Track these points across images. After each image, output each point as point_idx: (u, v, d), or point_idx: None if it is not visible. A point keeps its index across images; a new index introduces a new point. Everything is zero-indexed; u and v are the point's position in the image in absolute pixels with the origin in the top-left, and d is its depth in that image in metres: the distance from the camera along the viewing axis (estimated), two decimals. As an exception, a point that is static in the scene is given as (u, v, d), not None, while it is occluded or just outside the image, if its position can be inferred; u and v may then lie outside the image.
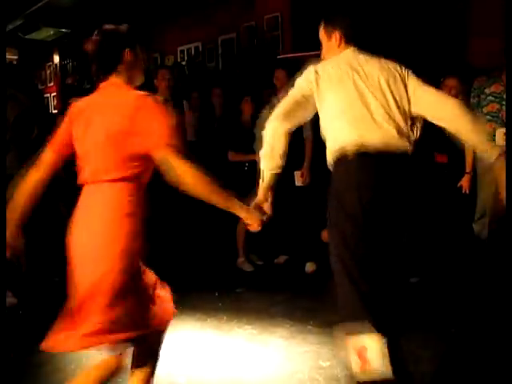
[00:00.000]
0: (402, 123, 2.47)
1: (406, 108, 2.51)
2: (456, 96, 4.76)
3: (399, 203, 2.47)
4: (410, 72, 2.59)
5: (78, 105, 2.25)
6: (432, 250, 4.78)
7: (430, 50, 6.05)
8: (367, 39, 2.77)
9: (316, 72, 2.52)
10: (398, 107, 2.48)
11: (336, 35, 2.65)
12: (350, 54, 2.61)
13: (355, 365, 2.20)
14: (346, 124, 2.43)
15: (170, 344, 3.46)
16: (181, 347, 3.46)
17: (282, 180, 2.63)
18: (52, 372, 3.16)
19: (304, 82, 2.54)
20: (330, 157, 2.50)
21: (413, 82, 2.55)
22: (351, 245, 2.34)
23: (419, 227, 4.60)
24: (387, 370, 2.15)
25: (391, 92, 2.49)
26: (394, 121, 2.45)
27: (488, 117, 5.04)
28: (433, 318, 3.91)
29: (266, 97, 5.61)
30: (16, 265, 4.79)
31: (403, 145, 2.46)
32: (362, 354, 2.17)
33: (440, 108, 2.50)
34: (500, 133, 4.90)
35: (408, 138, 2.48)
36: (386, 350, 2.20)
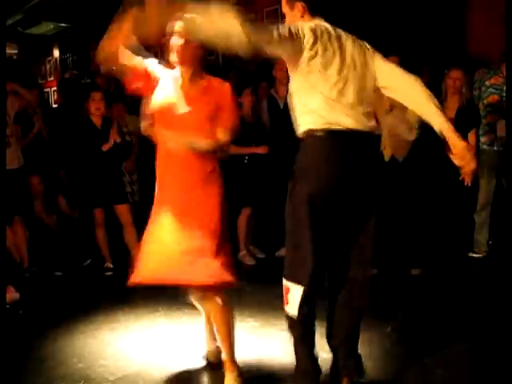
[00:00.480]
0: (371, 104, 2.53)
1: (373, 84, 2.55)
2: (460, 88, 4.76)
3: (366, 183, 2.51)
4: (372, 47, 2.60)
5: None
6: (433, 241, 4.79)
7: (430, 41, 6.04)
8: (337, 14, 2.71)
9: (316, 37, 2.41)
10: (368, 87, 2.52)
11: (298, 6, 2.55)
12: (328, 26, 2.52)
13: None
14: (324, 102, 2.42)
15: (171, 336, 3.54)
16: (182, 339, 3.48)
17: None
18: (54, 367, 3.16)
19: (305, 36, 2.39)
20: (301, 129, 2.51)
21: (378, 57, 2.58)
22: (311, 222, 2.42)
23: (421, 218, 4.65)
24: (296, 315, 2.48)
25: (364, 71, 2.51)
26: (367, 102, 2.51)
27: (488, 108, 5.02)
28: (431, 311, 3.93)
29: (263, 90, 5.61)
30: (17, 261, 4.82)
31: (372, 125, 2.51)
32: (286, 294, 2.51)
33: (400, 80, 2.54)
34: (501, 124, 4.89)
35: (375, 118, 2.55)
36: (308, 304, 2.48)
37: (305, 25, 2.44)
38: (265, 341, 3.43)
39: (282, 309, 2.57)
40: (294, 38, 2.34)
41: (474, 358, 3.14)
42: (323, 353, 2.74)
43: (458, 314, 3.84)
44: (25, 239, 5.05)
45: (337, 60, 2.44)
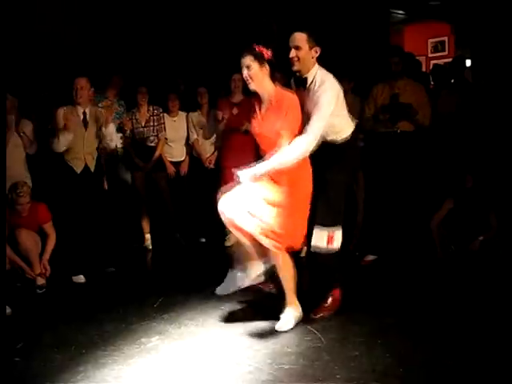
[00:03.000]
0: None
1: None
2: None
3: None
4: None
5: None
6: (390, 228, 4.95)
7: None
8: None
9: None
10: None
11: (316, 49, 3.58)
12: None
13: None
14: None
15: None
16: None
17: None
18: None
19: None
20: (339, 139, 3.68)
21: None
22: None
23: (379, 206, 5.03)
24: (338, 248, 3.74)
25: None
26: None
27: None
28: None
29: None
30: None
31: None
32: (331, 237, 3.66)
33: None
34: None
35: None
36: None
37: (334, 92, 3.53)
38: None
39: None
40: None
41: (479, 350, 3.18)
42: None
43: (459, 303, 3.93)
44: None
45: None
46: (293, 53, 3.56)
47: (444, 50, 9.68)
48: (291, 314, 3.53)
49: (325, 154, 3.54)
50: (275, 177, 3.45)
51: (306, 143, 3.37)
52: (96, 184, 4.92)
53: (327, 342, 3.26)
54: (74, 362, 3.11)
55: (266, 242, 3.38)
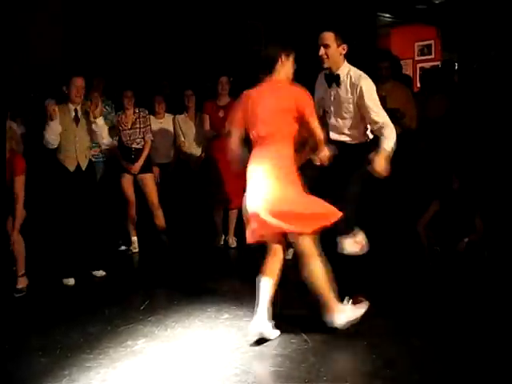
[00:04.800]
0: None
1: None
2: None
3: None
4: None
5: (249, 93, 3.47)
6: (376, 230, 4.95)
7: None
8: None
9: None
10: None
11: (344, 46, 3.80)
12: None
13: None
14: None
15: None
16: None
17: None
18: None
19: None
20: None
21: None
22: None
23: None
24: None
25: None
26: None
27: None
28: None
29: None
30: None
31: None
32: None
33: None
34: None
35: None
36: None
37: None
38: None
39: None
40: None
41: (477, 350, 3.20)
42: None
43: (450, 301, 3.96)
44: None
45: None
46: (322, 51, 3.74)
47: (430, 54, 9.74)
48: (342, 317, 3.35)
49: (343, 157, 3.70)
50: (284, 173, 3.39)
51: (392, 130, 3.73)
52: (87, 183, 4.89)
53: (314, 344, 3.26)
54: (59, 365, 3.08)
55: (292, 227, 3.31)
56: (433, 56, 9.63)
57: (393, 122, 4.97)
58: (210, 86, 5.95)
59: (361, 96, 3.69)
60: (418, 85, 7.65)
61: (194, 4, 7.35)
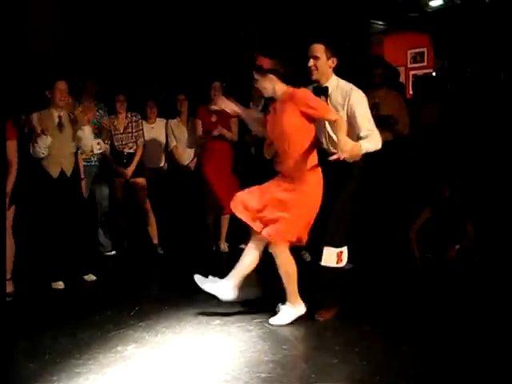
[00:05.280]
0: None
1: None
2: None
3: None
4: None
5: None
6: (367, 236, 4.99)
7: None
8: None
9: None
10: None
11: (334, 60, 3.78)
12: None
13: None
14: None
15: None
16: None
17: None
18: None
19: None
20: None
21: None
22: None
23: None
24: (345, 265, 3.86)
25: None
26: None
27: None
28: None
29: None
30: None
31: None
32: (340, 256, 3.75)
33: None
34: None
35: None
36: None
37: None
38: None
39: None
40: None
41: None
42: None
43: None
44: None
45: None
46: (311, 62, 3.71)
47: (423, 61, 9.79)
48: (289, 310, 3.68)
49: (333, 171, 3.61)
50: (292, 180, 3.59)
51: (378, 141, 3.66)
52: (72, 189, 4.86)
53: (304, 351, 3.27)
54: (48, 371, 3.05)
55: (269, 230, 3.56)
56: (425, 63, 9.68)
57: (386, 128, 5.03)
58: (206, 89, 5.94)
59: (351, 108, 3.65)
60: (411, 92, 7.67)
61: (188, 9, 7.35)
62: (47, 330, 3.68)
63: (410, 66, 9.83)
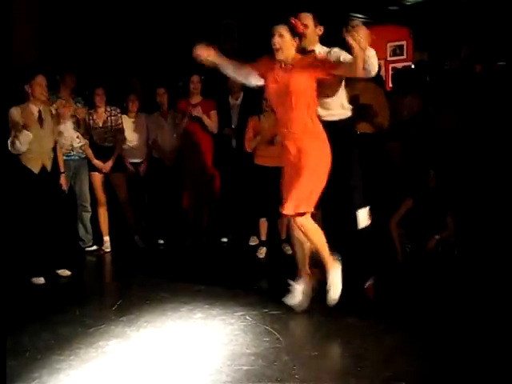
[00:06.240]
0: None
1: None
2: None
3: None
4: None
5: None
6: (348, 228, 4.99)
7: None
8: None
9: None
10: None
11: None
12: None
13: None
14: None
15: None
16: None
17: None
18: None
19: None
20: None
21: None
22: None
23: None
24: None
25: None
26: None
27: None
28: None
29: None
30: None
31: None
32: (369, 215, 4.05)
33: None
34: None
35: None
36: None
37: None
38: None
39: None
40: None
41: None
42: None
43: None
44: None
45: None
46: (300, 29, 3.74)
47: (402, 54, 9.87)
48: (334, 273, 3.65)
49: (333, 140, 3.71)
50: (298, 148, 3.61)
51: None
52: (53, 184, 4.81)
53: (286, 343, 3.26)
54: (28, 367, 3.03)
55: (287, 209, 3.56)
56: (405, 56, 9.76)
57: (365, 120, 5.06)
58: (182, 85, 5.92)
59: (335, 54, 3.73)
60: (391, 85, 7.72)
61: (167, 2, 7.31)
62: (27, 327, 3.64)
63: (389, 58, 9.89)
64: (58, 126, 4.71)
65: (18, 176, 4.71)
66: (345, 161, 3.84)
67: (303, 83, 3.56)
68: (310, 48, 3.87)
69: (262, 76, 3.78)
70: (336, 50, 3.75)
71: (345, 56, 3.64)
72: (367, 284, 4.14)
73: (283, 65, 3.64)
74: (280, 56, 3.61)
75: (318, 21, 3.96)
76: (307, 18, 3.89)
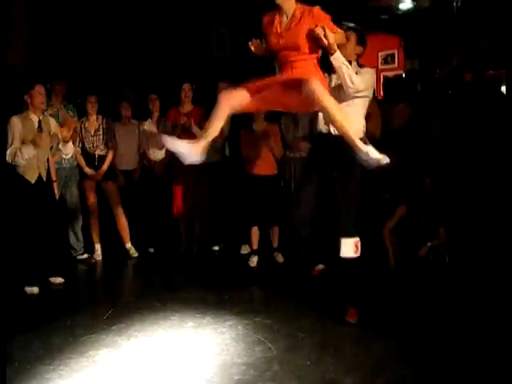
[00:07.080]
0: None
1: None
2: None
3: None
4: None
5: None
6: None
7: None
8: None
9: None
10: None
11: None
12: None
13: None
14: None
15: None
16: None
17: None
18: None
19: None
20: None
21: None
22: None
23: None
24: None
25: None
26: None
27: None
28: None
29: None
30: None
31: None
32: (356, 245, 3.77)
33: None
34: None
35: None
36: None
37: None
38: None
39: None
40: None
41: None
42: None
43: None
44: None
45: None
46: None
47: (394, 63, 9.91)
48: (367, 149, 3.26)
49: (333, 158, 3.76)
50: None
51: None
52: (48, 193, 4.79)
53: (278, 352, 3.26)
54: (18, 378, 3.01)
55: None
56: (396, 65, 9.81)
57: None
58: (173, 94, 5.91)
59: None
60: (382, 93, 7.76)
61: (159, 10, 7.31)
62: (17, 336, 3.60)
63: (380, 67, 9.94)
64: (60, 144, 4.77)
65: (14, 185, 4.68)
66: (344, 175, 3.76)
67: (307, 36, 3.55)
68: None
69: (264, 33, 3.75)
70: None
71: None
72: (349, 311, 3.81)
73: (284, 17, 3.63)
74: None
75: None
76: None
